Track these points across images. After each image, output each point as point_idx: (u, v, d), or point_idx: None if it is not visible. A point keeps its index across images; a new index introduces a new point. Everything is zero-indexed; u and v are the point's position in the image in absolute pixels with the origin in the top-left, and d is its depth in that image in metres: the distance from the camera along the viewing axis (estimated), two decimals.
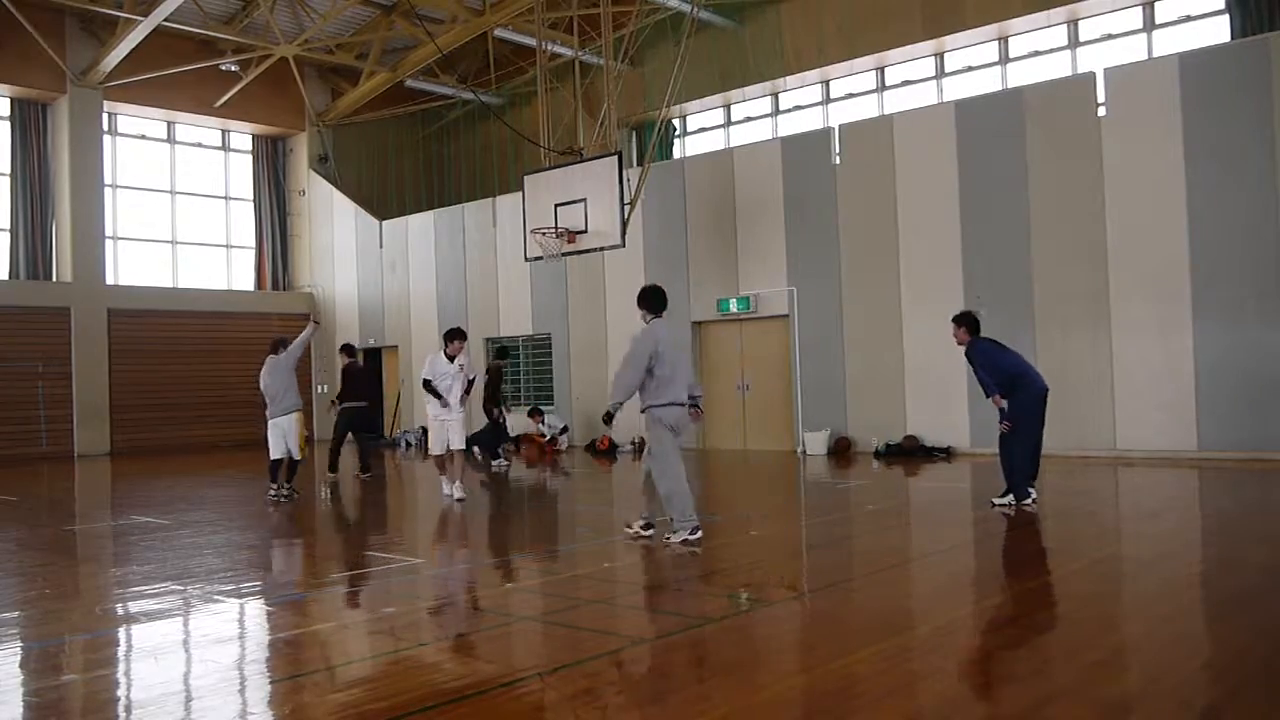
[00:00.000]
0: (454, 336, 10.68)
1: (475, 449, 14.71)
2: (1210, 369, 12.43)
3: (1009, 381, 9.03)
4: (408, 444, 20.02)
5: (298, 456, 10.77)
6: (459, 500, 10.28)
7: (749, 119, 20.01)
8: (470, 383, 10.88)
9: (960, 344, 9.34)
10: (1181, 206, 12.63)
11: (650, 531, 7.53)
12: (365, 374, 13.92)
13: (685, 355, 7.66)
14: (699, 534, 7.28)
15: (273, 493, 10.84)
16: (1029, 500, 9.03)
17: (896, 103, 17.55)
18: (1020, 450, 9.08)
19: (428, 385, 10.45)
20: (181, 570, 7.01)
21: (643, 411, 7.41)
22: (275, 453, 10.75)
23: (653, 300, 7.63)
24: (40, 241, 20.25)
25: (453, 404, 10.48)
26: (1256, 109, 12.13)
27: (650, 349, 7.27)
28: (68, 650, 5.02)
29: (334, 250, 23.68)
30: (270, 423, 10.74)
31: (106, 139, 21.28)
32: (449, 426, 10.48)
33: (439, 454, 10.64)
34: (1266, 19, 13.64)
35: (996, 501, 9.12)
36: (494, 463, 14.77)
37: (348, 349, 13.67)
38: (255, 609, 5.93)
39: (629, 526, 7.68)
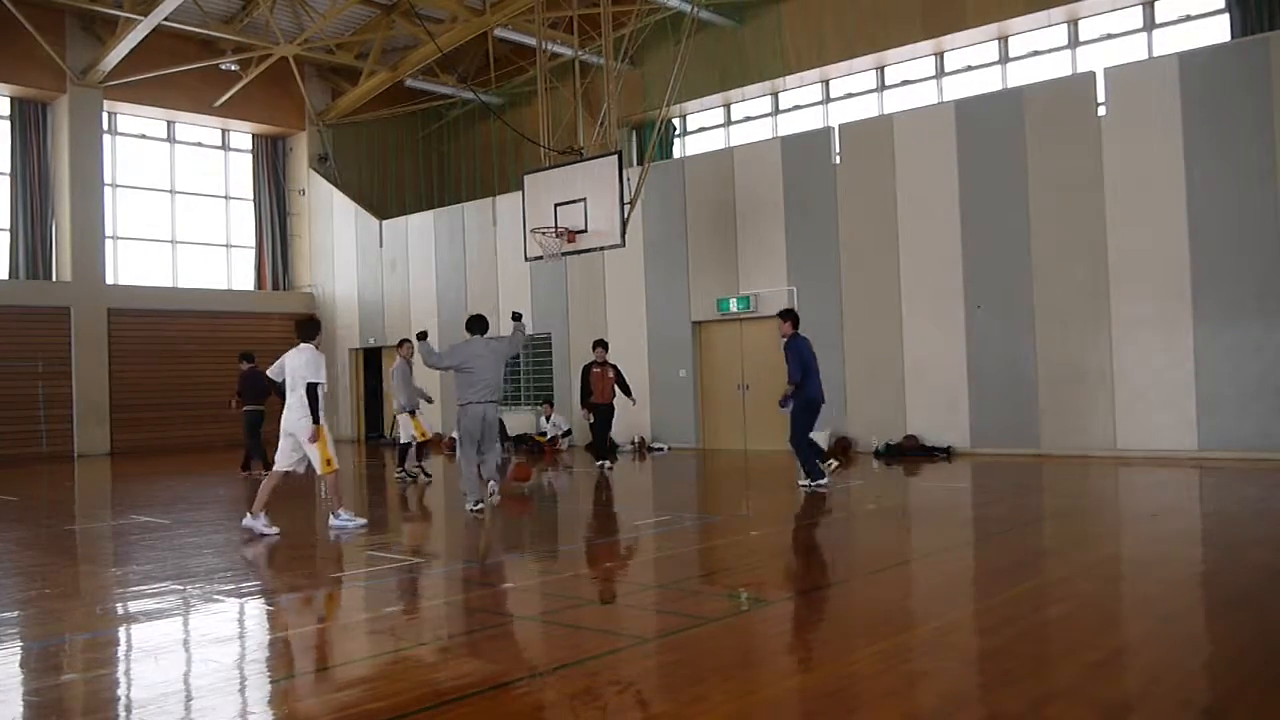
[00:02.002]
0: (319, 329, 9.03)
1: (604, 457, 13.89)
2: (1210, 369, 12.43)
3: (797, 374, 10.62)
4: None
5: (404, 440, 12.79)
6: (345, 528, 8.69)
7: (749, 119, 20.01)
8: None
9: (784, 336, 10.80)
10: (1181, 206, 12.63)
11: (480, 506, 9.38)
12: (262, 378, 14.21)
13: (495, 367, 9.65)
14: (480, 506, 9.38)
15: (399, 473, 12.96)
16: (825, 480, 10.60)
17: (896, 102, 17.54)
18: (804, 436, 10.64)
19: (314, 392, 8.49)
20: (181, 570, 7.01)
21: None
22: (404, 438, 12.93)
23: (470, 325, 9.94)
24: (40, 241, 20.25)
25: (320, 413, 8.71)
26: (1256, 109, 12.13)
27: (458, 360, 9.62)
28: (68, 650, 5.02)
29: (334, 250, 23.69)
30: (398, 416, 12.92)
31: (106, 138, 21.28)
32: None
33: (288, 470, 8.66)
34: (1266, 18, 13.63)
35: (801, 483, 10.59)
36: (599, 463, 13.76)
37: (246, 356, 14.65)
38: (255, 609, 5.93)
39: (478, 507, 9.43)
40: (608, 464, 13.80)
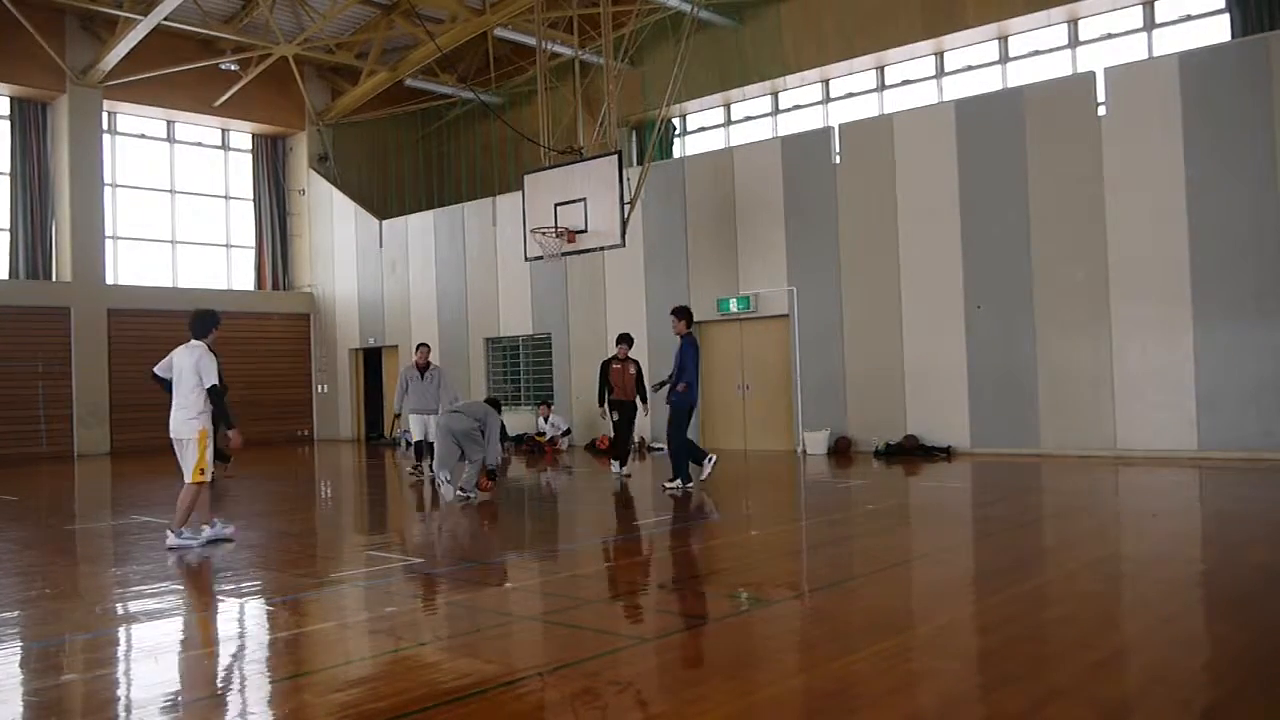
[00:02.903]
0: (215, 323, 8.36)
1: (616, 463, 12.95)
2: (1210, 369, 12.43)
3: (694, 377, 11.03)
4: (407, 444, 19.98)
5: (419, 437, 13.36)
6: (188, 547, 7.76)
7: (749, 118, 20.01)
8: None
9: (678, 334, 11.20)
10: (1181, 206, 12.63)
11: (470, 494, 10.39)
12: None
13: (469, 415, 10.76)
14: (440, 488, 10.52)
15: (411, 471, 13.48)
16: (692, 481, 11.03)
17: (896, 102, 17.54)
18: (682, 438, 11.02)
19: (217, 396, 7.88)
20: (182, 570, 7.01)
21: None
22: (416, 435, 13.44)
23: (487, 401, 11.41)
24: (40, 241, 20.25)
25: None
26: (1256, 109, 12.13)
27: (459, 406, 11.14)
28: (68, 650, 5.02)
29: (334, 250, 23.69)
30: (413, 416, 13.33)
31: (106, 138, 21.28)
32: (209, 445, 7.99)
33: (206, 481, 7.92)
34: (1266, 18, 13.63)
35: (667, 485, 10.97)
36: (620, 471, 12.83)
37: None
38: (255, 609, 5.93)
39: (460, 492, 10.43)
40: (625, 472, 12.76)
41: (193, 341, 8.02)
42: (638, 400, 12.91)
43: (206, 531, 7.89)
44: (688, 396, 11.00)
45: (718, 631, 5.00)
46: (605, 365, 13.08)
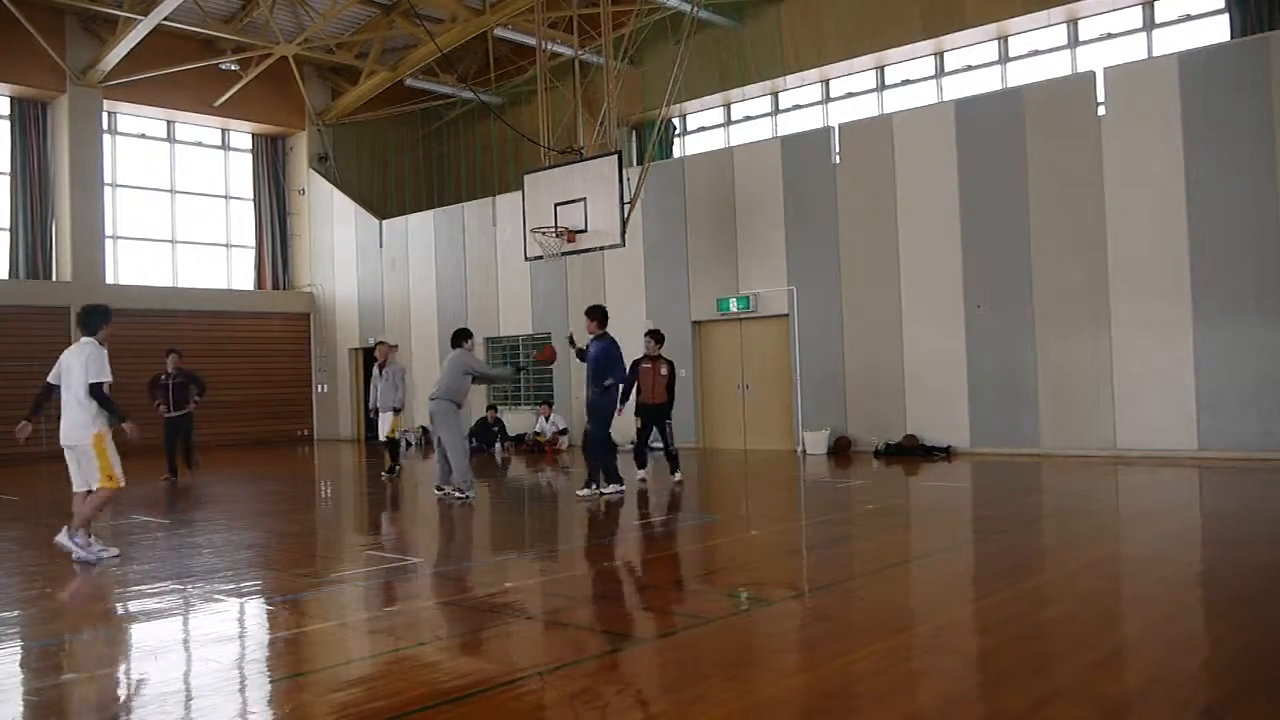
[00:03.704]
0: (105, 319, 7.47)
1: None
2: (1210, 369, 12.43)
3: (616, 377, 10.58)
4: (408, 444, 20.00)
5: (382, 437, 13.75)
6: (83, 559, 7.15)
7: (749, 118, 20.01)
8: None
9: (591, 334, 10.74)
10: (1181, 206, 12.63)
11: (467, 494, 10.43)
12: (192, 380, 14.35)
13: (449, 371, 10.64)
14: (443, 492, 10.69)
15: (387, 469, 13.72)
16: (620, 488, 10.60)
17: (896, 102, 17.54)
18: (604, 438, 10.64)
19: (101, 391, 7.18)
20: (181, 570, 7.01)
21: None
22: (382, 434, 13.75)
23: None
24: (40, 241, 20.24)
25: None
26: (1256, 108, 12.13)
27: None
28: (68, 649, 5.02)
29: (334, 250, 23.69)
30: (380, 415, 13.55)
31: (106, 138, 21.28)
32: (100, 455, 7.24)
33: (87, 490, 7.28)
34: (1266, 18, 13.63)
35: (587, 493, 10.49)
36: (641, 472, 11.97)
37: (178, 352, 14.72)
38: (255, 609, 5.93)
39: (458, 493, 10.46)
40: (664, 478, 11.63)
41: (83, 339, 7.36)
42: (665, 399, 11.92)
43: (95, 548, 7.27)
44: (609, 398, 10.52)
45: (718, 631, 4.99)
46: (634, 365, 11.85)
